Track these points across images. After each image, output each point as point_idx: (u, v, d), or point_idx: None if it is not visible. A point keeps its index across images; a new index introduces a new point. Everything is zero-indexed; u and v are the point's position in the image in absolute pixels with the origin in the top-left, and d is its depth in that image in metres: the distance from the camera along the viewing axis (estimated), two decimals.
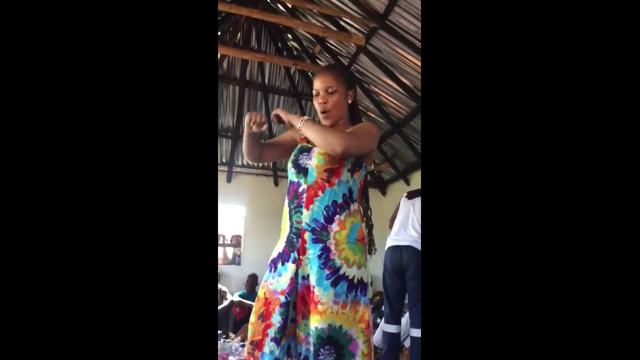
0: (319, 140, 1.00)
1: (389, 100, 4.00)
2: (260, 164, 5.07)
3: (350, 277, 0.99)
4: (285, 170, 5.53)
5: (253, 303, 3.04)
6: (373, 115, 4.42)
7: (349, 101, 1.12)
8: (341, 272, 0.99)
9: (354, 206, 1.04)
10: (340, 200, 1.02)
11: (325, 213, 1.01)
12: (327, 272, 0.99)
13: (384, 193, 5.32)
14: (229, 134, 4.72)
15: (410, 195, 2.60)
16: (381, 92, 3.99)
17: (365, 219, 1.09)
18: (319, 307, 0.97)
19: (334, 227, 1.01)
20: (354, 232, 1.03)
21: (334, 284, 0.98)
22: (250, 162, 5.03)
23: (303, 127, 1.01)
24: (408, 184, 4.81)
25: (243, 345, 1.75)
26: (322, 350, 0.96)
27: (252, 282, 4.07)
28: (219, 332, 2.69)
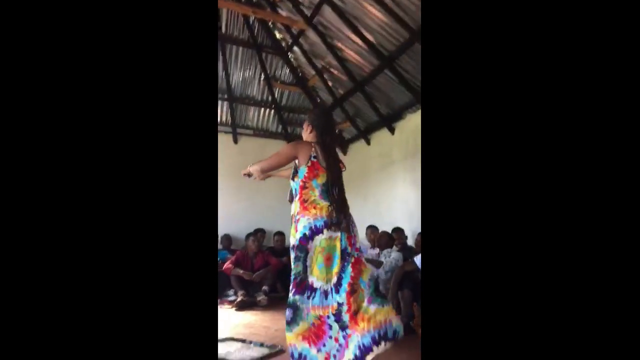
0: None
1: (352, 56, 3.91)
2: (218, 119, 4.86)
3: (290, 243, 1.66)
4: (244, 127, 5.25)
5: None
6: (335, 72, 4.32)
7: (309, 131, 1.80)
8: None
9: (296, 198, 1.68)
10: (288, 198, 1.78)
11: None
12: None
13: (344, 152, 5.37)
14: None
15: None
16: (344, 48, 3.88)
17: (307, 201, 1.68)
18: None
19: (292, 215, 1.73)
20: (291, 215, 1.70)
21: None
22: None
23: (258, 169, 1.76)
24: (369, 143, 4.88)
25: None
26: None
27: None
28: None
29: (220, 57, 4.36)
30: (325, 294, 1.58)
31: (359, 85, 4.12)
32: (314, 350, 1.55)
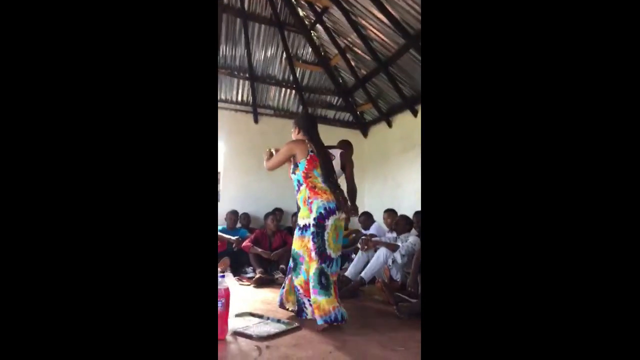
0: None
1: (377, 35, 3.79)
2: (240, 98, 4.86)
3: (299, 224, 2.09)
4: (265, 106, 5.25)
5: (233, 237, 3.42)
6: (358, 51, 4.21)
7: (297, 132, 2.19)
8: (298, 222, 2.11)
9: (303, 187, 2.05)
10: (295, 187, 2.12)
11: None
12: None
13: (365, 135, 5.30)
14: None
15: None
16: (368, 26, 3.76)
17: (315, 188, 2.04)
18: None
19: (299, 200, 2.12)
20: (301, 199, 2.06)
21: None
22: (228, 97, 4.81)
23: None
24: (390, 126, 4.78)
25: (223, 276, 1.81)
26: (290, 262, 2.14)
27: (234, 217, 4.14)
28: None
29: (243, 36, 4.32)
30: (337, 262, 2.00)
31: (382, 65, 4.00)
32: (342, 309, 1.91)
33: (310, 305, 1.96)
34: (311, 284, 1.93)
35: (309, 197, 2.00)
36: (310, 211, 1.98)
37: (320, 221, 1.94)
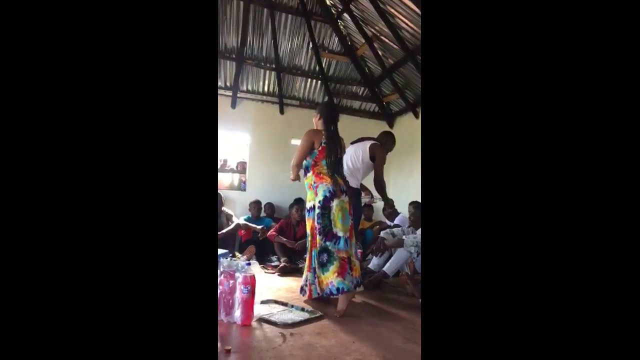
0: None
1: (406, 23, 3.69)
2: (266, 89, 4.90)
3: (307, 207, 2.26)
4: (291, 97, 5.26)
5: (258, 227, 3.53)
6: (386, 40, 4.12)
7: (317, 118, 2.34)
8: (306, 205, 2.29)
9: (309, 173, 2.22)
10: (303, 172, 2.28)
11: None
12: None
13: (391, 126, 5.21)
14: (233, 56, 4.47)
15: (352, 142, 2.92)
16: (397, 13, 3.66)
17: (323, 175, 2.20)
18: None
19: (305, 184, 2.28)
20: (307, 184, 2.25)
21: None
22: (254, 88, 4.85)
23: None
24: (417, 117, 4.67)
25: (249, 264, 1.86)
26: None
27: (257, 207, 4.21)
28: (226, 251, 2.86)
29: (269, 26, 4.33)
30: (346, 241, 2.12)
31: (410, 54, 3.90)
32: (347, 281, 2.06)
33: (311, 284, 2.17)
34: (313, 261, 2.13)
35: (314, 182, 2.18)
36: (316, 194, 2.16)
37: (325, 203, 2.12)
